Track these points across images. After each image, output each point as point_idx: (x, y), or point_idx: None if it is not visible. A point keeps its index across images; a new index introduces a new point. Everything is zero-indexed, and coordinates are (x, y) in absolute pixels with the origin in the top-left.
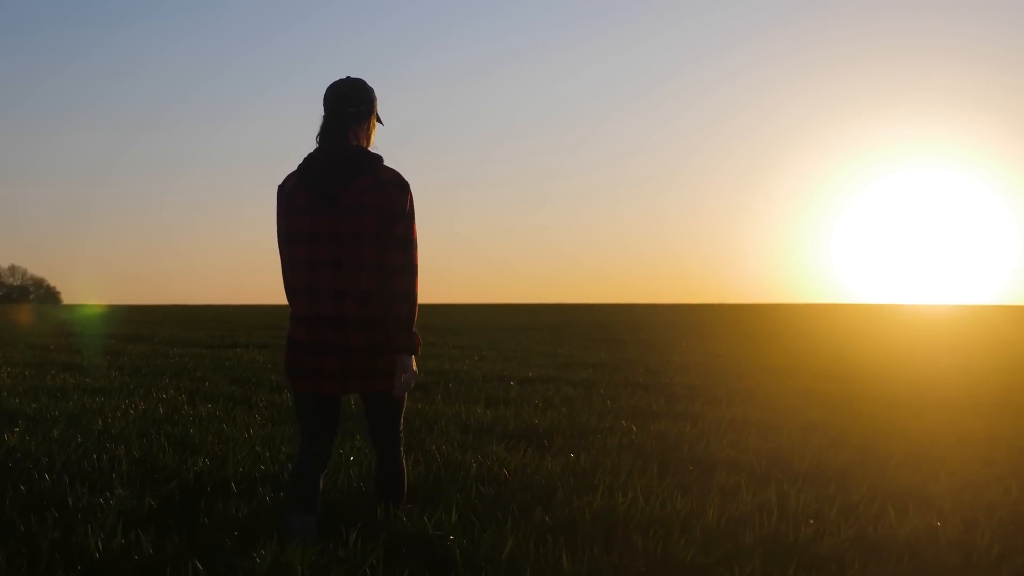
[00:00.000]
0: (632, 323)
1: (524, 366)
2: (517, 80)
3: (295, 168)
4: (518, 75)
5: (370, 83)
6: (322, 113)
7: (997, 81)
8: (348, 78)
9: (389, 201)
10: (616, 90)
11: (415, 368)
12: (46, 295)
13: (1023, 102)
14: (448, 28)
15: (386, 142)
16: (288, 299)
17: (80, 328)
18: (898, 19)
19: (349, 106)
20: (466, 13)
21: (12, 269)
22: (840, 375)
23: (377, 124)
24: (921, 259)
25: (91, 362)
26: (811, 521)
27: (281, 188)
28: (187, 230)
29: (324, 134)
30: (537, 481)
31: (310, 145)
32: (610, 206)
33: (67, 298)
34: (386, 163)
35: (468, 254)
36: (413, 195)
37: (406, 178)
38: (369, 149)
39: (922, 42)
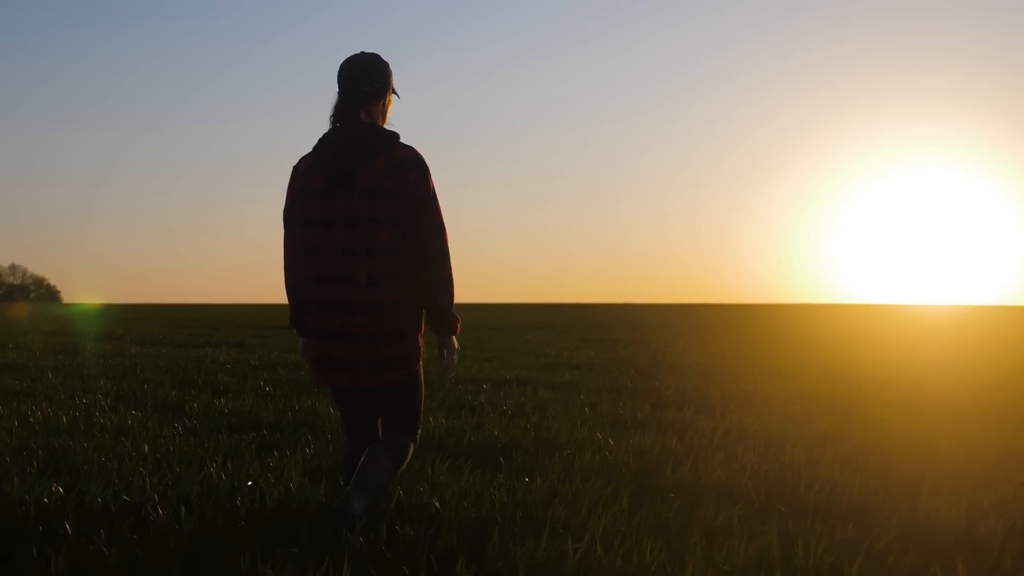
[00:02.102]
0: (631, 322)
1: (504, 367)
2: (519, 81)
3: (310, 150)
4: (520, 76)
5: None
6: (336, 91)
7: (1001, 82)
8: (362, 54)
9: (407, 184)
10: (617, 91)
11: (456, 345)
12: (46, 294)
13: None
14: (450, 29)
15: None
16: (294, 286)
17: (59, 326)
18: (900, 20)
19: (364, 84)
20: (468, 14)
21: (12, 268)
22: (845, 377)
23: (394, 97)
24: (923, 259)
25: (36, 362)
26: None
27: (296, 170)
28: (188, 230)
29: (338, 113)
30: (474, 516)
31: (313, 143)
32: (612, 206)
33: (68, 297)
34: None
35: (469, 254)
36: (432, 175)
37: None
38: (385, 125)
39: (926, 43)
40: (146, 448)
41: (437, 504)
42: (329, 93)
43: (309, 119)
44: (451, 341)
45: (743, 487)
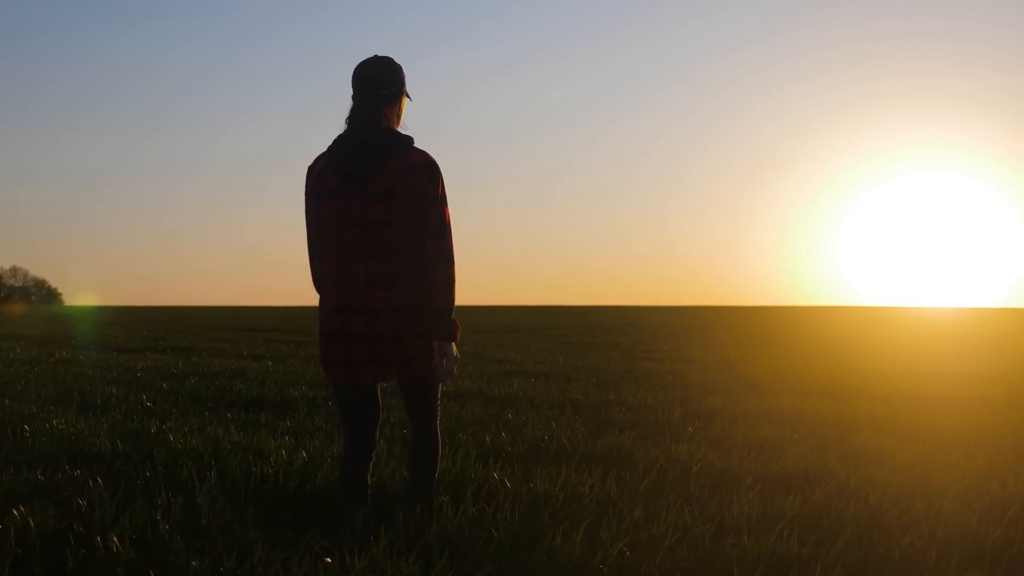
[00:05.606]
0: (627, 325)
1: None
2: (523, 82)
3: (324, 151)
4: (524, 77)
5: None
6: (351, 93)
7: (1006, 85)
8: (376, 57)
9: (419, 186)
10: (621, 93)
11: (456, 352)
12: (47, 296)
13: None
14: (454, 30)
15: None
16: (316, 287)
17: (27, 329)
18: (905, 23)
19: (380, 88)
20: (471, 16)
21: (14, 270)
22: (838, 390)
23: (407, 101)
24: (928, 262)
25: None
26: None
27: (310, 170)
28: (190, 232)
29: (354, 117)
30: None
31: (314, 145)
32: (615, 208)
33: (69, 299)
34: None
35: (472, 255)
36: (444, 179)
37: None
38: (399, 128)
39: (932, 46)
40: None
41: None
42: (330, 96)
43: (310, 122)
44: (450, 348)
45: (651, 573)
